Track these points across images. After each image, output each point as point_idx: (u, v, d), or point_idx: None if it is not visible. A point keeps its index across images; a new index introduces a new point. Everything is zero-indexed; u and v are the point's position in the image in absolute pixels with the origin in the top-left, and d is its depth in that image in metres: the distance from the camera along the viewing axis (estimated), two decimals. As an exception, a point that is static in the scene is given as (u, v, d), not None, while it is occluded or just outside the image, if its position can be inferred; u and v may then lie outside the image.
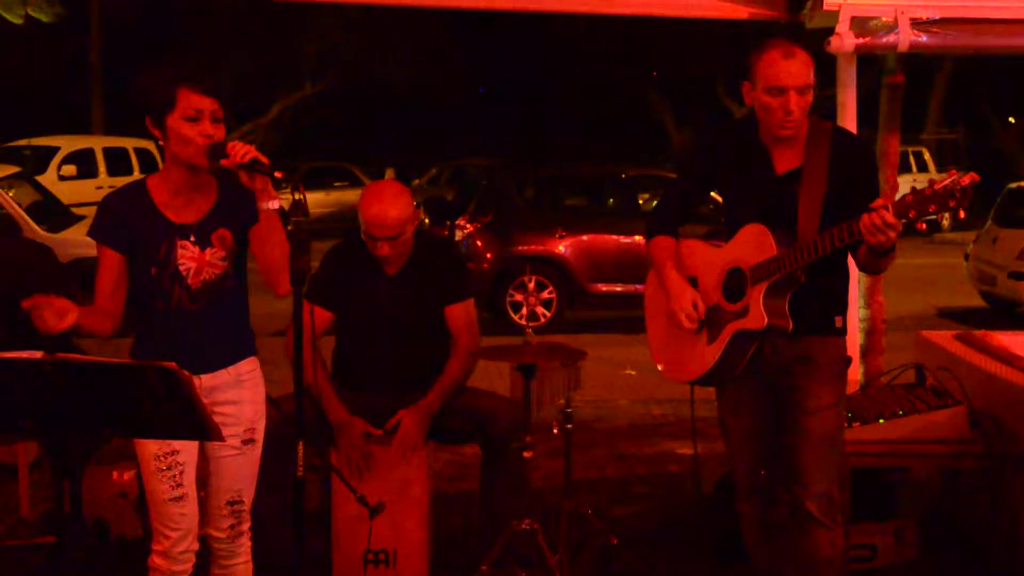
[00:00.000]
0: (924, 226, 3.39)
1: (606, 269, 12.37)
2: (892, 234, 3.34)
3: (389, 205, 4.42)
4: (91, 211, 4.96)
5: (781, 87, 3.59)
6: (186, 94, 3.24)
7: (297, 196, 3.07)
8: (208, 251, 3.38)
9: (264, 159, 3.20)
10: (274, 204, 3.26)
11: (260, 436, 3.55)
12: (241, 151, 3.18)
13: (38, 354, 2.61)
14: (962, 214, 3.33)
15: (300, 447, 3.15)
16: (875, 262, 3.58)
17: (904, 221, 3.34)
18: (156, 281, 3.36)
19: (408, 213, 4.46)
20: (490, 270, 12.17)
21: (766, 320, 3.64)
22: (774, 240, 3.63)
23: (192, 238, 3.37)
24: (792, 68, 3.58)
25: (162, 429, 2.91)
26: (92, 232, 3.41)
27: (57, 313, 3.05)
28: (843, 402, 3.86)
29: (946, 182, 3.32)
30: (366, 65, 29.13)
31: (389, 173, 26.79)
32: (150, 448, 3.35)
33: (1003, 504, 4.49)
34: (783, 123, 3.64)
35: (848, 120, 5.27)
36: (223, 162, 3.21)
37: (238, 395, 3.45)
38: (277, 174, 3.19)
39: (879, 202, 3.38)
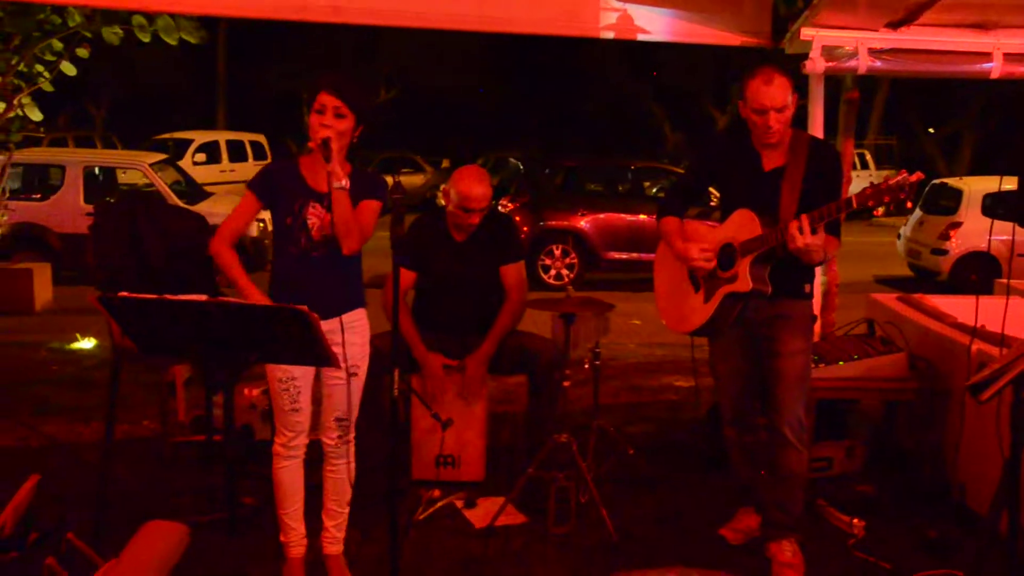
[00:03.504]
0: (880, 212, 3.37)
1: (617, 241, 12.19)
2: (801, 244, 3.41)
3: (480, 184, 4.45)
4: (217, 189, 5.00)
5: (763, 108, 3.57)
6: (320, 94, 3.28)
7: (398, 179, 3.10)
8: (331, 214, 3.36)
9: (333, 146, 3.18)
10: (337, 183, 3.21)
11: (363, 371, 3.53)
12: (320, 135, 3.20)
13: (203, 297, 2.64)
14: (909, 204, 3.30)
15: (396, 374, 3.17)
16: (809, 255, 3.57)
17: (865, 207, 3.34)
18: (290, 229, 3.38)
19: (491, 190, 4.50)
20: (525, 240, 12.08)
21: (751, 285, 3.62)
22: (760, 223, 3.60)
23: (324, 202, 3.34)
24: (771, 92, 3.56)
25: (293, 356, 2.92)
26: (250, 184, 3.43)
27: None
28: (810, 350, 3.83)
29: (898, 179, 3.29)
30: (426, 79, 29.42)
31: (445, 163, 26.73)
32: (275, 373, 3.40)
33: (932, 428, 4.49)
34: (766, 135, 3.62)
35: (816, 126, 5.18)
36: (310, 143, 3.23)
37: (347, 339, 3.42)
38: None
39: (794, 223, 3.42)
